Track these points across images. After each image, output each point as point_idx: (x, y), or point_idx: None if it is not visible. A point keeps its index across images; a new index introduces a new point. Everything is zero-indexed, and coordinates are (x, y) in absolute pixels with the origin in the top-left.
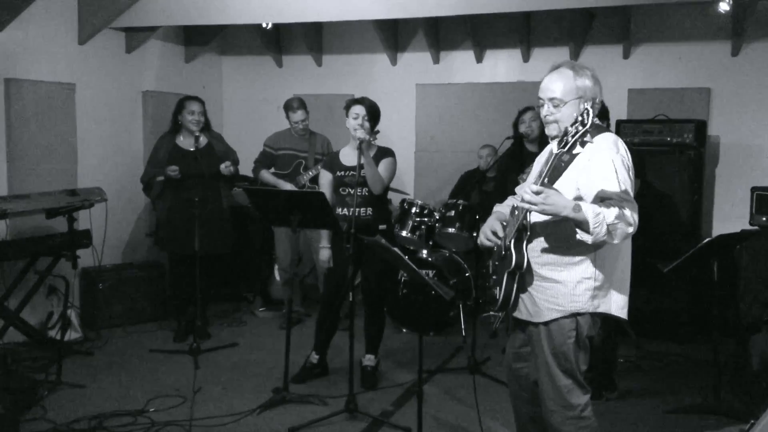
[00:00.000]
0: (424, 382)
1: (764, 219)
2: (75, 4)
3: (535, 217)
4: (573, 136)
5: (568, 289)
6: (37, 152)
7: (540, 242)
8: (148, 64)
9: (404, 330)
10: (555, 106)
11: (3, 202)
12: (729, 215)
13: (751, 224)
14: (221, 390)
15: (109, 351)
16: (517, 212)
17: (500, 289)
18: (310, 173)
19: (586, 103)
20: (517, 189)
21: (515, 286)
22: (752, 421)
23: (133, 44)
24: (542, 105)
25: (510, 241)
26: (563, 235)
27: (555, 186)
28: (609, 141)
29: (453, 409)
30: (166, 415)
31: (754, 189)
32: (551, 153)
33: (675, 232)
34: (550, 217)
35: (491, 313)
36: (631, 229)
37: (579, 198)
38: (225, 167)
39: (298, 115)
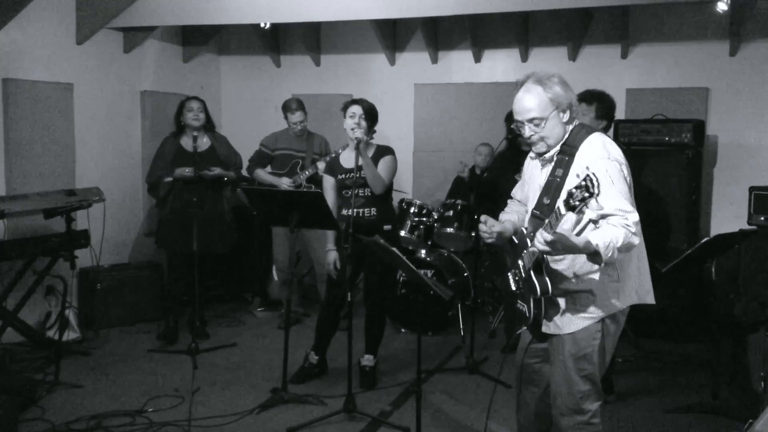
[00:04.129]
0: (422, 382)
1: (762, 218)
2: (73, 4)
3: None
4: (580, 201)
5: (596, 296)
6: (35, 152)
7: (566, 257)
8: (146, 64)
9: (403, 330)
10: (536, 125)
11: (1, 203)
12: (727, 215)
13: (749, 224)
14: (220, 390)
15: (107, 351)
16: (531, 247)
17: (528, 309)
18: (307, 172)
19: (564, 113)
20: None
21: (543, 309)
22: (750, 421)
23: (131, 44)
24: (522, 127)
25: (529, 269)
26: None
27: (557, 203)
28: (598, 146)
29: (451, 409)
30: (164, 415)
31: (752, 189)
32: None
33: (673, 232)
34: None
35: (524, 328)
36: (637, 241)
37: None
38: (208, 171)
39: (296, 116)
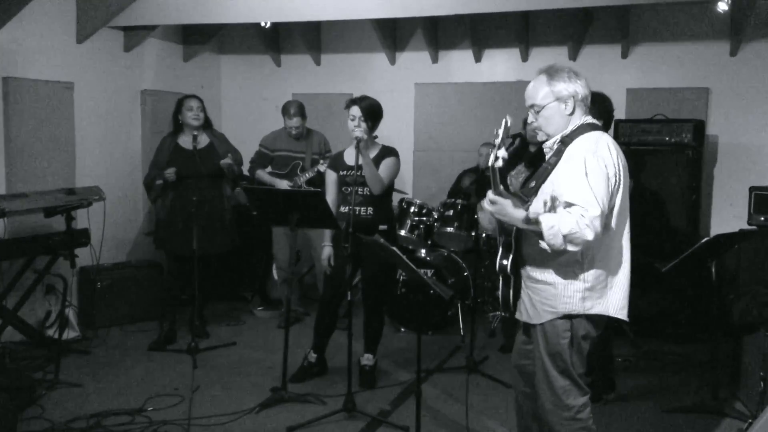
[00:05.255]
0: (422, 382)
1: (762, 219)
2: (73, 3)
3: None
4: (505, 149)
5: (558, 290)
6: (35, 151)
7: (531, 246)
8: (146, 63)
9: (403, 329)
10: (536, 113)
11: (1, 201)
12: (727, 215)
13: (749, 224)
14: (219, 389)
15: (106, 350)
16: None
17: (500, 289)
18: (307, 175)
19: (565, 105)
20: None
21: (510, 289)
22: (750, 421)
23: (131, 43)
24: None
25: (499, 246)
26: None
27: (543, 187)
28: (590, 141)
29: (451, 409)
30: (164, 414)
31: (752, 189)
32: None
33: (673, 232)
34: None
35: (497, 312)
36: (590, 236)
37: (554, 198)
38: (224, 162)
39: (293, 121)
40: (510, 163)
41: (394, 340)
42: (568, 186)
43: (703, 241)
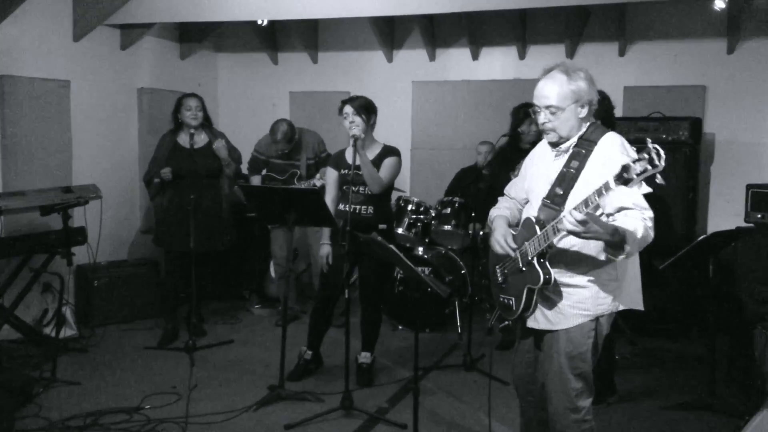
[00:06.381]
0: (419, 379)
1: (759, 216)
2: (70, 1)
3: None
4: (639, 174)
5: (592, 292)
6: (31, 149)
7: (567, 251)
8: (143, 61)
9: (400, 327)
10: (552, 114)
11: None
12: (724, 212)
13: (746, 221)
14: (217, 387)
15: (104, 348)
16: (542, 231)
17: (518, 301)
18: (303, 185)
19: (582, 108)
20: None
21: (535, 298)
22: (747, 418)
23: (128, 41)
24: (539, 112)
25: (533, 258)
26: (591, 244)
27: (573, 193)
28: (617, 144)
29: (449, 406)
30: (161, 413)
31: (749, 186)
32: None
33: (670, 230)
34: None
35: (507, 322)
36: (652, 237)
37: (598, 206)
38: (216, 144)
39: (280, 145)
40: (501, 165)
41: (392, 338)
42: (617, 194)
43: (700, 238)
